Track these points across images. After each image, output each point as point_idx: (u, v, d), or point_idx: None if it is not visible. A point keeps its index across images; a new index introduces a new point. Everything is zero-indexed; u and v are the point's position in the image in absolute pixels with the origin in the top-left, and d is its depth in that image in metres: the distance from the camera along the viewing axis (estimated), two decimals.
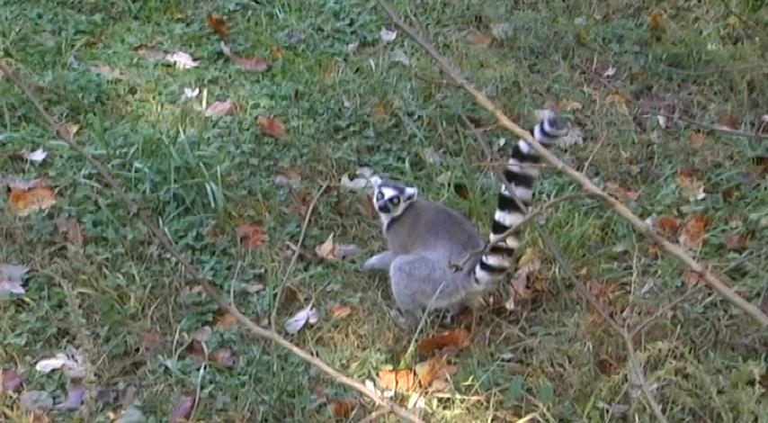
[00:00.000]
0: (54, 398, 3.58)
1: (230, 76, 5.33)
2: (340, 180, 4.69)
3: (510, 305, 4.08)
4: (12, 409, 3.47)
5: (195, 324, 3.96)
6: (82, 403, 3.37)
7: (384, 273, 4.10)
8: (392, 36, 5.74)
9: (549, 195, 4.61)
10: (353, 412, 3.57)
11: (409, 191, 4.15)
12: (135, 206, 2.12)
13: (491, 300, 4.08)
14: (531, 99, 5.26)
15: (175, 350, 3.81)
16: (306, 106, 5.10)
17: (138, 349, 3.83)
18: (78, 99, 4.96)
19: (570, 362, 3.79)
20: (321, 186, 4.61)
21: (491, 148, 4.86)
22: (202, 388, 3.63)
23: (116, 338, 3.85)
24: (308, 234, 4.41)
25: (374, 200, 4.16)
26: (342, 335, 3.96)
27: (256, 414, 3.58)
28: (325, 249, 4.33)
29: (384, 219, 4.18)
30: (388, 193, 4.12)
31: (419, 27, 5.34)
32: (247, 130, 4.93)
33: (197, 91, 5.15)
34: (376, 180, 4.21)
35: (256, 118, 5.00)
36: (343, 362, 3.83)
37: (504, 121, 1.92)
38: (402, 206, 4.12)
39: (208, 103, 5.05)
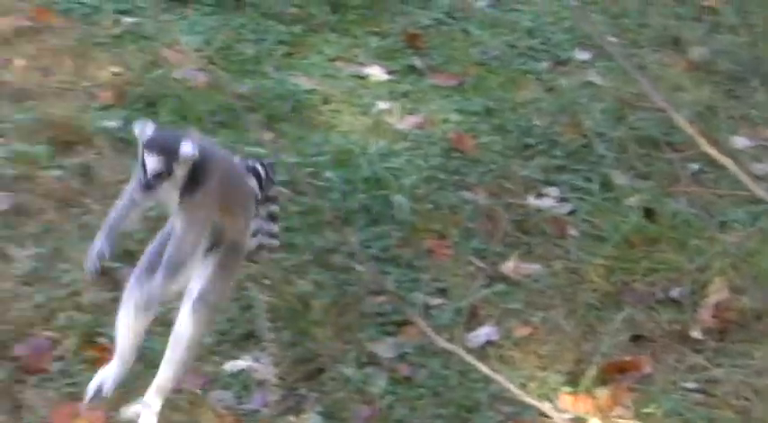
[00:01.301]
0: (238, 398, 3.66)
1: (422, 91, 5.38)
2: (526, 198, 4.67)
3: (696, 334, 3.99)
4: (197, 407, 3.57)
5: (377, 334, 4.00)
6: (265, 405, 3.45)
7: (565, 293, 4.06)
8: (586, 55, 5.69)
9: (742, 224, 4.50)
10: None
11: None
12: (330, 214, 2.15)
13: (677, 327, 4.01)
14: (726, 125, 5.14)
15: (356, 359, 3.86)
16: (496, 123, 5.10)
17: (320, 356, 3.89)
18: (275, 107, 5.08)
19: (758, 396, 3.69)
20: (507, 203, 4.60)
21: (684, 173, 4.76)
22: (382, 398, 3.67)
23: (299, 344, 3.92)
24: (493, 250, 4.41)
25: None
26: (522, 353, 3.94)
27: None
28: (509, 267, 4.32)
29: None
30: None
31: (617, 47, 5.29)
32: (436, 144, 4.96)
33: (389, 103, 5.21)
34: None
35: (446, 133, 5.03)
36: (522, 381, 3.81)
37: (706, 146, 1.89)
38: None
39: (399, 116, 5.11)
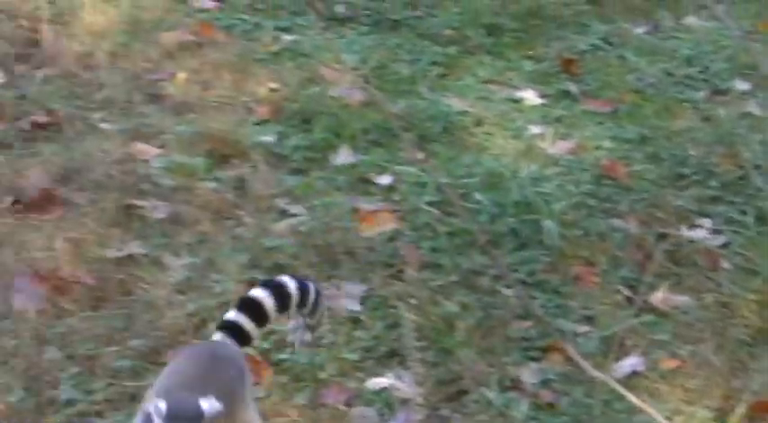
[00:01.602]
0: (381, 415, 3.68)
1: (575, 116, 5.34)
2: (679, 228, 4.60)
3: None
4: (340, 422, 3.61)
5: (521, 359, 3.98)
6: None
7: (715, 327, 3.97)
8: (746, 86, 5.57)
9: None
10: None
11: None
12: (479, 236, 2.16)
13: None
14: None
15: (499, 382, 3.84)
16: (649, 151, 5.03)
17: (462, 378, 3.88)
18: (427, 128, 5.11)
19: None
20: (659, 233, 4.53)
21: None
22: None
23: (443, 365, 3.92)
24: (641, 280, 4.34)
25: None
26: (668, 386, 3.87)
27: None
28: (658, 298, 4.25)
29: None
30: None
31: None
32: (588, 170, 4.92)
33: (542, 128, 5.19)
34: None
35: (598, 159, 4.99)
36: (668, 414, 3.75)
37: None
38: None
39: (552, 140, 5.09)
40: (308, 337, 3.62)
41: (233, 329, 3.34)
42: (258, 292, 3.36)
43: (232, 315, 3.34)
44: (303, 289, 3.43)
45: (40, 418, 3.17)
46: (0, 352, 3.77)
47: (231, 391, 3.14)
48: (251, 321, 3.34)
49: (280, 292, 3.38)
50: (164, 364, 3.75)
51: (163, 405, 2.92)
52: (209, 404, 2.95)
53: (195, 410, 2.92)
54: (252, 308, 3.35)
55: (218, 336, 3.36)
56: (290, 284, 3.41)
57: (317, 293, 3.48)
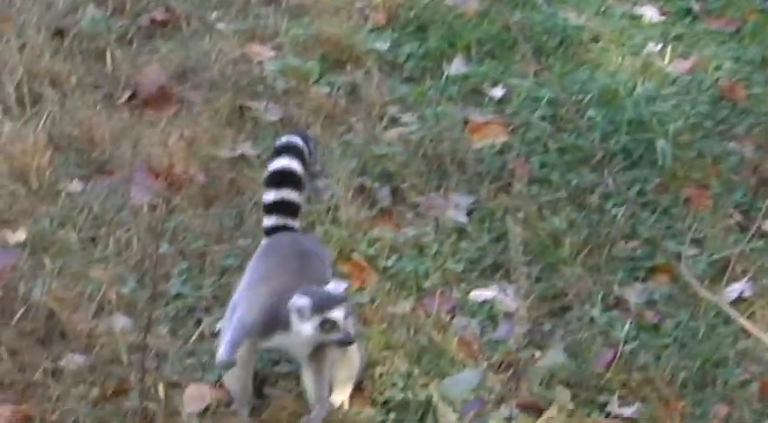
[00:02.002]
0: (482, 327, 3.70)
1: (696, 35, 5.22)
2: None
3: None
4: (441, 332, 3.63)
5: (626, 278, 3.96)
6: (511, 337, 3.47)
7: None
8: None
9: None
10: None
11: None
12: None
13: None
14: None
15: (602, 301, 3.83)
16: None
17: (566, 294, 3.88)
18: (542, 41, 5.05)
19: None
20: None
21: None
22: (625, 343, 3.63)
23: (547, 280, 3.92)
24: (754, 205, 4.28)
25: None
26: None
27: (677, 378, 3.53)
28: None
29: None
30: None
31: None
32: (706, 91, 4.82)
33: (660, 46, 5.08)
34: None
35: (717, 80, 4.88)
36: None
37: None
38: None
39: (670, 59, 4.99)
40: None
41: (282, 207, 3.42)
42: (282, 161, 3.43)
43: (272, 196, 3.43)
44: (304, 138, 3.51)
45: (150, 309, 3.24)
46: (115, 244, 3.86)
47: (322, 277, 3.28)
48: (291, 190, 3.44)
49: (296, 152, 3.46)
50: None
51: (305, 300, 3.07)
52: (339, 286, 3.17)
53: (338, 296, 3.11)
54: (285, 177, 3.43)
55: (271, 220, 3.44)
56: (293, 139, 3.49)
57: (309, 138, 3.57)
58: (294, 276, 3.25)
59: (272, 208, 3.45)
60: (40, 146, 4.18)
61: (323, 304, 3.10)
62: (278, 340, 3.21)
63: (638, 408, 3.42)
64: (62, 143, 4.30)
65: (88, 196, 4.06)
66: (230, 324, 3.26)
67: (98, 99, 4.53)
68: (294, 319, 3.11)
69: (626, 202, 4.19)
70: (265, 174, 3.51)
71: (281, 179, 3.45)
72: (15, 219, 3.95)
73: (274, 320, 3.16)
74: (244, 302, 3.27)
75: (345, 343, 3.16)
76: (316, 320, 3.09)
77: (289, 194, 3.44)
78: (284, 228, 3.44)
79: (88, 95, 4.51)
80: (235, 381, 3.26)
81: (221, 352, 3.23)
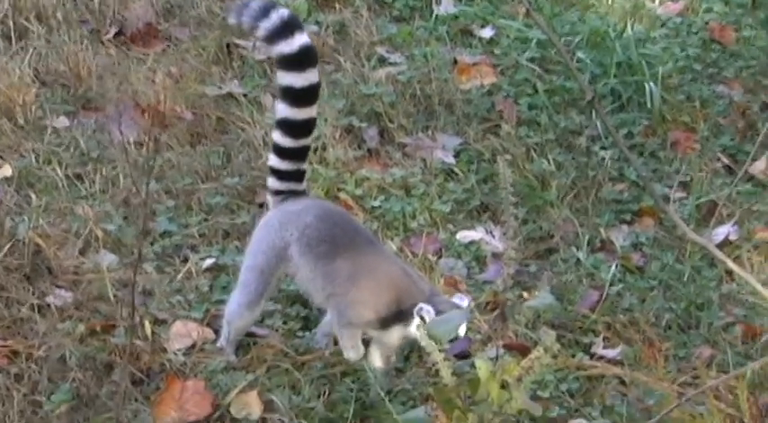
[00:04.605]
0: (468, 268, 3.71)
1: None
2: None
3: None
4: (428, 272, 3.64)
5: (612, 221, 3.97)
6: (498, 278, 3.48)
7: None
8: None
9: None
10: (763, 338, 3.47)
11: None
12: (590, 93, 2.13)
13: None
14: None
15: (589, 243, 3.84)
16: (761, 17, 4.90)
17: (552, 236, 3.89)
18: None
19: None
20: (764, 102, 4.44)
21: None
22: (611, 285, 3.65)
23: (533, 222, 3.93)
24: (741, 149, 4.28)
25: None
26: (760, 257, 3.83)
27: (661, 320, 3.55)
28: (758, 167, 4.19)
29: None
30: None
31: None
32: (696, 34, 4.81)
33: None
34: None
35: (707, 23, 4.86)
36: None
37: None
38: None
39: (660, 1, 4.96)
40: None
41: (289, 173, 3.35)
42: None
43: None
44: None
45: (139, 246, 3.24)
46: (101, 180, 3.85)
47: (370, 237, 3.32)
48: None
49: None
50: (258, 205, 3.81)
51: (430, 309, 3.08)
52: (463, 300, 3.23)
53: (463, 314, 3.06)
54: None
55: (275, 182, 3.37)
56: None
57: None
58: (397, 268, 3.23)
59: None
60: (26, 81, 4.16)
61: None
62: (394, 333, 3.20)
63: (623, 349, 3.43)
64: (48, 79, 4.28)
65: (74, 132, 4.05)
66: (342, 318, 3.23)
67: (84, 35, 4.49)
68: (415, 322, 3.09)
69: (614, 145, 4.19)
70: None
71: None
72: (1, 154, 3.93)
73: (393, 316, 3.16)
74: (343, 292, 3.22)
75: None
76: None
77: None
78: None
79: (74, 31, 4.48)
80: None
81: (351, 355, 3.24)
